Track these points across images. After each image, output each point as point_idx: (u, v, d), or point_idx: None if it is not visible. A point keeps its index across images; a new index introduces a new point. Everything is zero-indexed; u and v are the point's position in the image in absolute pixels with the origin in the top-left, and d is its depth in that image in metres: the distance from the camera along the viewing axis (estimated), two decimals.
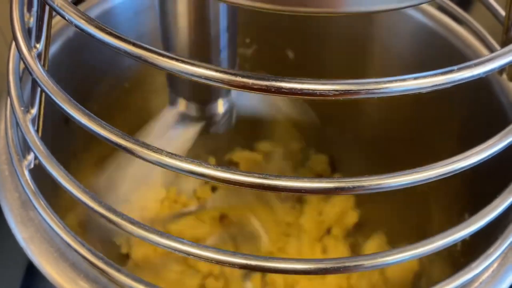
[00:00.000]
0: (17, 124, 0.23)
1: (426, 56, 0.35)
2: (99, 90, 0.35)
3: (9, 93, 0.21)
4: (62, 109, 0.16)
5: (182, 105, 0.29)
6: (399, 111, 0.36)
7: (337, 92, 0.13)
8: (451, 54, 0.33)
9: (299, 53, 0.40)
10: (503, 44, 0.25)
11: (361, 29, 0.37)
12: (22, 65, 0.24)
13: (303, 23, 0.39)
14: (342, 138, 0.43)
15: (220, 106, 0.28)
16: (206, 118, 0.29)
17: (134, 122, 0.33)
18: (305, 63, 0.40)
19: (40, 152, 0.19)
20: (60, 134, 0.32)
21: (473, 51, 0.32)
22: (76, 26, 0.14)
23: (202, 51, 0.24)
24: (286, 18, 0.40)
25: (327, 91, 0.13)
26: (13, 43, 0.23)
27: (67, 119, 0.33)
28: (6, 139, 0.25)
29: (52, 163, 0.18)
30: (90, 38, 0.32)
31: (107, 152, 0.38)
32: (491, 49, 0.30)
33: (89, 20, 0.14)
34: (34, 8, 0.23)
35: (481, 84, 0.29)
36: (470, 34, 0.33)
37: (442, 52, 0.34)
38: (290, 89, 0.13)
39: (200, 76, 0.13)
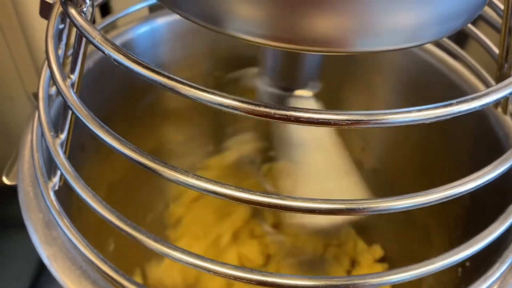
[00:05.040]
0: (42, 148, 0.24)
1: (425, 89, 0.36)
2: (114, 119, 0.37)
3: (39, 119, 0.22)
4: (96, 134, 0.18)
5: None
6: (401, 144, 0.38)
7: (349, 122, 0.15)
8: (448, 88, 0.35)
9: None
10: (497, 80, 0.27)
11: (362, 63, 0.39)
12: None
13: None
14: None
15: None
16: None
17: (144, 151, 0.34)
18: None
19: (69, 175, 0.20)
20: (75, 160, 0.34)
21: (469, 85, 0.34)
22: (115, 60, 0.16)
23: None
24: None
25: (341, 121, 0.15)
26: (43, 72, 0.25)
27: (83, 146, 0.35)
28: (31, 162, 0.26)
29: (81, 185, 0.20)
30: (108, 69, 0.34)
31: (118, 177, 0.39)
32: (486, 83, 0.32)
33: (127, 55, 0.16)
34: (63, 41, 0.25)
35: (479, 117, 0.31)
36: (466, 69, 0.35)
37: (439, 86, 0.36)
38: (308, 118, 0.15)
39: (227, 106, 0.15)
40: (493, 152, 0.32)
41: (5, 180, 0.28)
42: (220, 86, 0.41)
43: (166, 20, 0.34)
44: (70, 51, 0.26)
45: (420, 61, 0.36)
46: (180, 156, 0.43)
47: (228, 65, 0.38)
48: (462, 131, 0.33)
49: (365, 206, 0.16)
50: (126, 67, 0.16)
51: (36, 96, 0.43)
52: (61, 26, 0.24)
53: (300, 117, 0.15)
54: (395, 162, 0.40)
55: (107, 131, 0.18)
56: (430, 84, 0.36)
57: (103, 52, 0.16)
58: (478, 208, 0.31)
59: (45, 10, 0.23)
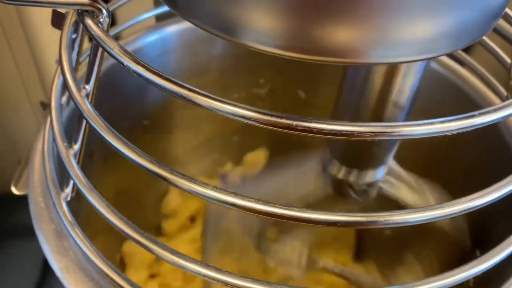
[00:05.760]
0: (54, 158, 0.24)
1: (434, 97, 0.36)
2: (121, 127, 0.37)
3: (52, 129, 0.22)
4: (114, 146, 0.18)
5: (335, 168, 0.28)
6: (411, 152, 0.37)
7: (372, 134, 0.15)
8: (455, 94, 0.35)
9: (310, 93, 0.42)
10: (510, 89, 0.27)
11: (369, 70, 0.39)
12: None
13: (313, 65, 0.41)
14: None
15: (375, 175, 0.27)
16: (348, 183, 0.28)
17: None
18: (316, 102, 0.42)
19: (84, 186, 0.20)
20: (84, 169, 0.34)
21: (476, 91, 0.34)
22: (134, 71, 0.16)
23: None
24: (298, 61, 0.42)
25: (364, 133, 0.15)
26: (55, 82, 0.25)
27: (91, 154, 0.35)
28: (42, 172, 0.26)
29: (96, 196, 0.20)
30: (116, 78, 0.34)
31: (124, 186, 0.39)
32: (494, 89, 0.32)
33: (146, 66, 0.16)
34: (75, 51, 0.24)
35: (489, 125, 0.31)
36: (471, 75, 0.35)
37: (445, 90, 0.36)
38: (330, 130, 0.15)
39: (249, 118, 0.15)
40: (504, 160, 0.32)
41: (14, 190, 0.28)
42: (226, 94, 0.41)
43: (175, 28, 0.34)
44: (81, 59, 0.26)
45: (429, 69, 0.36)
46: (186, 165, 0.43)
47: (236, 73, 0.38)
48: (472, 139, 0.33)
49: (386, 218, 0.16)
50: (146, 79, 0.16)
51: (43, 105, 0.43)
52: (73, 36, 0.24)
53: (323, 129, 0.15)
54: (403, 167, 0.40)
55: (124, 143, 0.18)
56: (438, 91, 0.36)
57: (122, 64, 0.16)
58: (488, 218, 0.31)
59: (57, 20, 0.23)
